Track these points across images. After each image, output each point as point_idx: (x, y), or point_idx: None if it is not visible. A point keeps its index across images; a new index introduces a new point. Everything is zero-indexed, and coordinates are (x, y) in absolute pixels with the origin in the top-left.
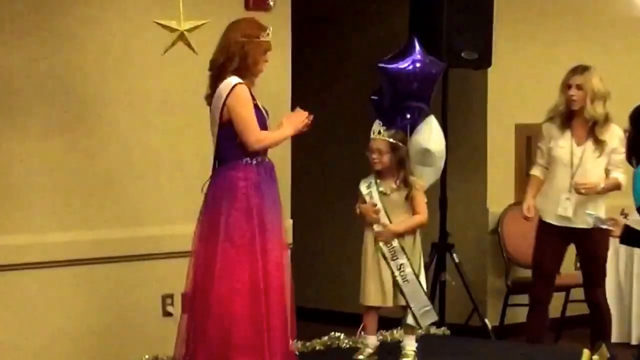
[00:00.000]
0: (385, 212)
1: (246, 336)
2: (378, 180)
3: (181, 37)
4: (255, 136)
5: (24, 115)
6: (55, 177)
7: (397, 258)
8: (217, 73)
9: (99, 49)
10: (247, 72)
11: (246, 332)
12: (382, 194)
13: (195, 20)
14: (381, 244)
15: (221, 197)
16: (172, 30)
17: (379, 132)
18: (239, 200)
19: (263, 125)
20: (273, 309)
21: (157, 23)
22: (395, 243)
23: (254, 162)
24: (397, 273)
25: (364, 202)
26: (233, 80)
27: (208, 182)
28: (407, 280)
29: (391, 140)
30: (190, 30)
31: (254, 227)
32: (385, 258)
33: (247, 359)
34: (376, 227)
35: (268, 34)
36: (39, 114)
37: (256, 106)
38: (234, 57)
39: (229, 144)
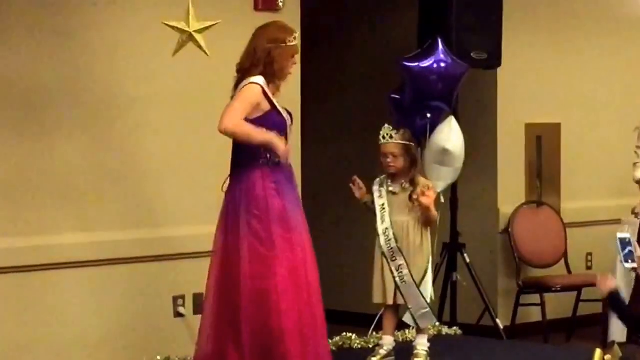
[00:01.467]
0: (391, 210)
1: (288, 328)
2: (389, 181)
3: (190, 38)
4: (229, 118)
5: (30, 115)
6: (65, 179)
7: (396, 259)
8: (242, 76)
9: (110, 50)
10: (273, 77)
11: (290, 331)
12: (391, 193)
13: (204, 21)
14: (382, 242)
15: (240, 199)
16: (181, 31)
17: (391, 137)
18: (259, 201)
19: (281, 127)
20: (306, 305)
21: (166, 25)
22: (393, 244)
23: (271, 163)
24: (395, 274)
25: (372, 201)
26: (252, 79)
27: (227, 182)
28: (404, 281)
29: (403, 142)
30: (199, 31)
31: (272, 225)
32: (385, 257)
33: (292, 345)
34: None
35: (295, 38)
36: (49, 114)
37: (275, 108)
38: (260, 63)
39: (246, 145)
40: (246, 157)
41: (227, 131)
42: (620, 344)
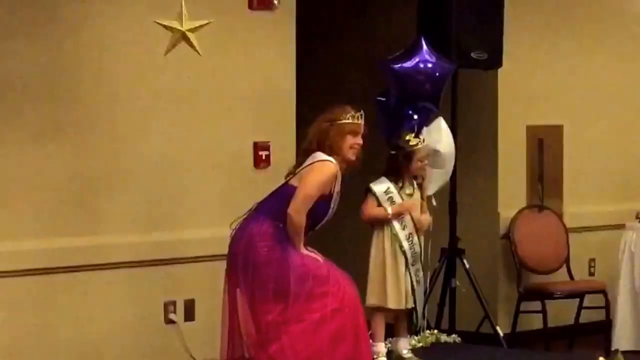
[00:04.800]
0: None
1: None
2: (400, 183)
3: (183, 37)
4: (298, 211)
5: (18, 116)
6: (54, 182)
7: (416, 263)
8: (305, 157)
9: (105, 50)
10: (331, 154)
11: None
12: (408, 195)
13: (197, 20)
14: (406, 248)
15: (246, 251)
16: (173, 30)
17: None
18: (260, 255)
19: (318, 217)
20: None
21: (159, 23)
22: (417, 249)
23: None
24: (414, 277)
25: (380, 204)
26: (327, 157)
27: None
28: (419, 283)
29: None
30: (192, 30)
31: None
32: (407, 262)
33: None
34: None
35: (351, 116)
36: (36, 115)
37: (330, 198)
38: (314, 140)
39: (274, 204)
40: (269, 212)
41: (292, 219)
42: (624, 352)
